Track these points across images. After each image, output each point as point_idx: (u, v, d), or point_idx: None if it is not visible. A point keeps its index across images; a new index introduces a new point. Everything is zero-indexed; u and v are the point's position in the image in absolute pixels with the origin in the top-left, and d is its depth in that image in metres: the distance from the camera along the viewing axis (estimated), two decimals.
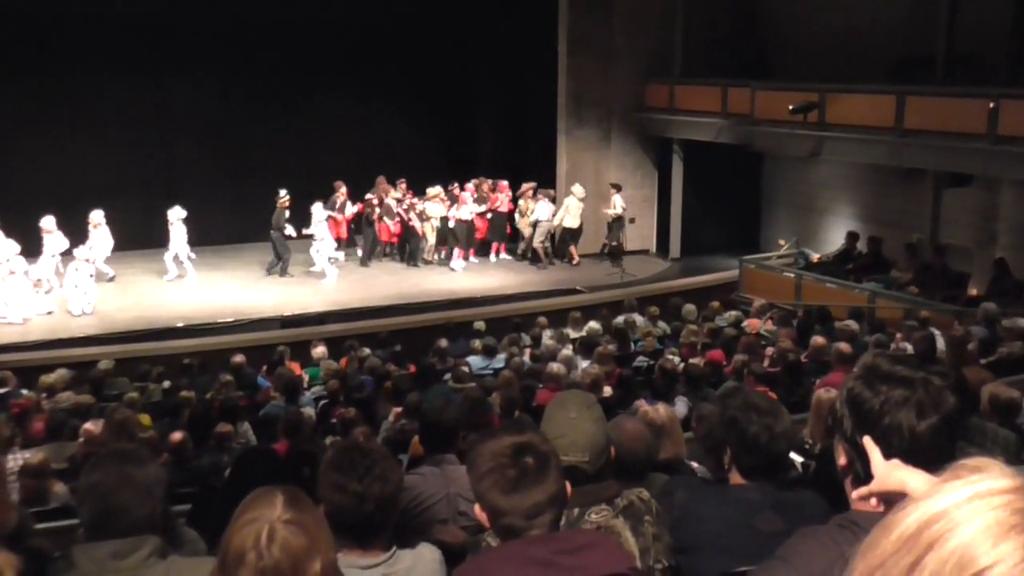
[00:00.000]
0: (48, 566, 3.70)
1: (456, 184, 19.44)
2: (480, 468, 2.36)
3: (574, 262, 19.44)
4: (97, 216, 16.60)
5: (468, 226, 19.18)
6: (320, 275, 17.79)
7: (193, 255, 17.50)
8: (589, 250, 20.03)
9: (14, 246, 15.36)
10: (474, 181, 19.71)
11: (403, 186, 19.26)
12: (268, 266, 18.17)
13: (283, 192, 17.64)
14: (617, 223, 19.46)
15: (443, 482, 4.24)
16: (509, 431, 2.42)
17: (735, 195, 20.32)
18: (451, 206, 19.01)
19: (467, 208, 19.02)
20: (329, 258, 17.83)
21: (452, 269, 18.90)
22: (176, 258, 17.38)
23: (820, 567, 1.91)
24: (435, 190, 18.83)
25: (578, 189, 19.21)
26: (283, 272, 17.97)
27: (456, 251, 19.10)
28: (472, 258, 19.48)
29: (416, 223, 18.87)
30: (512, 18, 20.91)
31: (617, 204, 19.27)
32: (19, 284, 15.25)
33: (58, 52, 18.35)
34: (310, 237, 17.81)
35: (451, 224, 18.98)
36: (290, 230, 17.53)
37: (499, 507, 2.32)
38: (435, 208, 18.74)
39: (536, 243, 19.31)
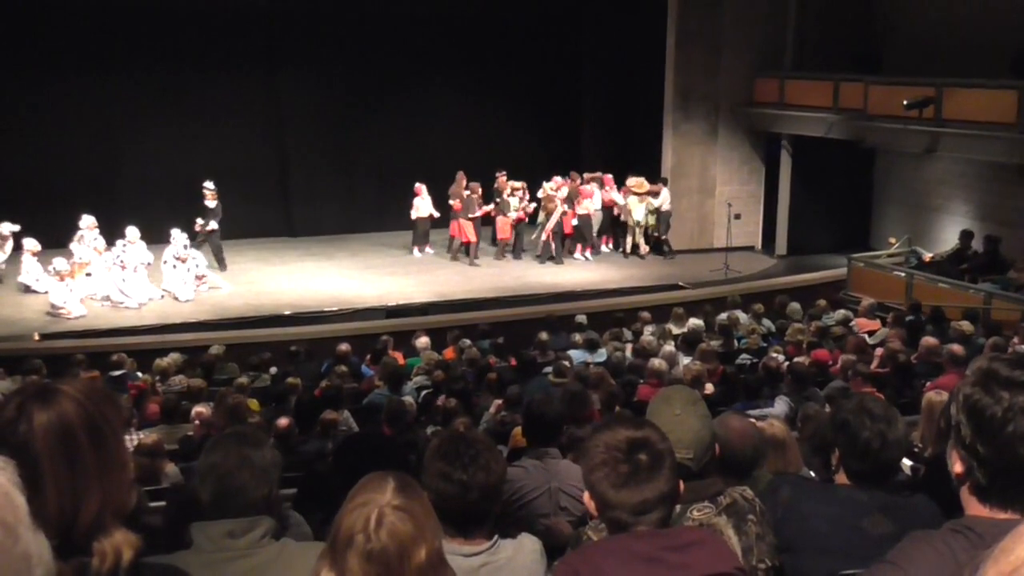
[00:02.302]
0: (167, 541, 3.85)
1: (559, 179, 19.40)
2: (593, 458, 2.36)
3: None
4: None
5: (588, 220, 19.23)
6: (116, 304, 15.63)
7: None
8: (689, 245, 19.98)
9: (135, 232, 15.99)
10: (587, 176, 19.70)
11: (502, 178, 19.09)
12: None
13: (210, 184, 17.40)
14: (663, 216, 19.45)
15: (545, 476, 4.25)
16: (627, 424, 2.41)
17: (845, 192, 19.86)
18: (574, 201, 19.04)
19: (590, 202, 19.06)
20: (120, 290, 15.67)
21: (586, 259, 19.16)
22: None
23: (932, 572, 1.86)
24: (552, 184, 18.94)
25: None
26: (223, 267, 17.63)
27: (579, 245, 19.25)
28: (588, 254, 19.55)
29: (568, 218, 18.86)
30: (620, 10, 20.81)
31: (662, 198, 19.32)
32: (135, 271, 15.80)
33: (172, 46, 18.92)
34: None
35: (575, 221, 19.01)
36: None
37: (608, 500, 2.33)
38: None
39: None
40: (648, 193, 19.36)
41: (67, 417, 1.64)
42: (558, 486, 4.19)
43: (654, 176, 19.93)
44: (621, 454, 2.32)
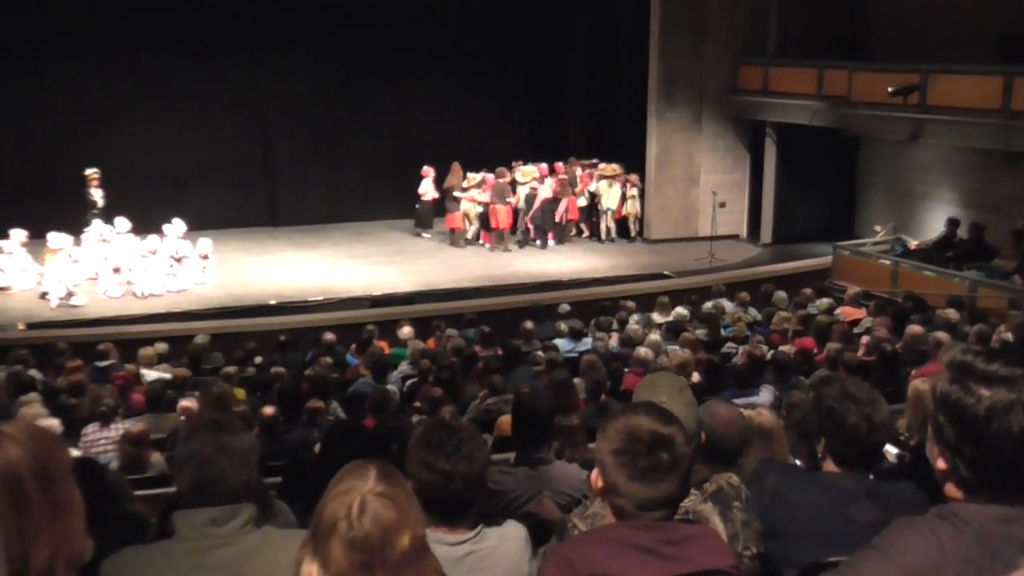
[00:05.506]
0: (148, 530, 3.83)
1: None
2: (613, 442, 2.32)
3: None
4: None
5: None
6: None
7: None
8: (674, 234, 19.95)
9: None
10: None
11: (519, 167, 19.38)
12: None
13: (91, 170, 17.10)
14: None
15: (537, 484, 4.14)
16: (655, 417, 2.36)
17: (830, 180, 19.87)
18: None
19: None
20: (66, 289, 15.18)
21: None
22: None
23: (918, 559, 1.85)
24: (534, 169, 19.12)
25: None
26: None
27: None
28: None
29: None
30: None
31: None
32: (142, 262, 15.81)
33: (155, 33, 18.75)
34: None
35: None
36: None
37: (617, 487, 2.30)
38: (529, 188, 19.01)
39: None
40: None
41: (12, 461, 1.56)
42: (549, 496, 4.11)
43: (638, 165, 19.99)
44: (643, 447, 2.28)
